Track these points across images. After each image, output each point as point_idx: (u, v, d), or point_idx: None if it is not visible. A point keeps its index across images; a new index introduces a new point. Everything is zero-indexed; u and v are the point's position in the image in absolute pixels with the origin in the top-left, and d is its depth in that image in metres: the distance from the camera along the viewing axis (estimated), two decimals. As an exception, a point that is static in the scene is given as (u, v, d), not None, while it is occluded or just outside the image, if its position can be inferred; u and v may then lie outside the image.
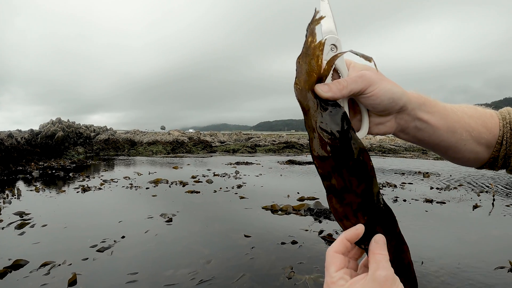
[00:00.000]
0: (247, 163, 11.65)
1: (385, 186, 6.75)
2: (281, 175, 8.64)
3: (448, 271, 2.61)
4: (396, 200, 5.42)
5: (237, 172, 8.90)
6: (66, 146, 15.29)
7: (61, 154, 13.97)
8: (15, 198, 5.10)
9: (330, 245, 2.13)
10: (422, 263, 2.74)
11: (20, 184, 6.39)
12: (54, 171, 8.60)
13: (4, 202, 4.67)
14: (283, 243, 3.25)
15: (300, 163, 11.69)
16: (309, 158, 14.14)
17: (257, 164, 11.50)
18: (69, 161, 11.60)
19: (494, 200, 5.44)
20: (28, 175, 7.59)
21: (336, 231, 3.57)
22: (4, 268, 2.54)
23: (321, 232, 3.58)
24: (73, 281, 2.39)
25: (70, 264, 2.71)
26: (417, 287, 0.87)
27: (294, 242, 3.26)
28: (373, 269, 0.62)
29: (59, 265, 2.68)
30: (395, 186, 6.80)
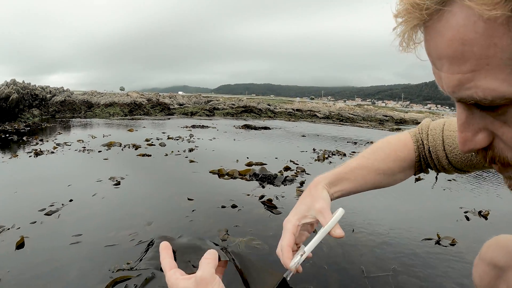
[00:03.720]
0: (203, 127, 11.79)
1: (334, 154, 7.06)
2: (234, 140, 8.86)
3: (377, 238, 2.81)
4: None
5: (191, 136, 9.04)
6: (21, 108, 14.91)
7: (15, 117, 13.65)
8: (-37, 165, 5.03)
9: (269, 210, 2.43)
10: (353, 230, 2.94)
11: (-31, 151, 6.25)
12: (7, 135, 8.50)
13: (-49, 171, 4.60)
14: (223, 207, 3.47)
15: (255, 128, 11.94)
16: (265, 123, 14.37)
17: (213, 127, 11.67)
18: (24, 124, 11.38)
19: (437, 174, 5.75)
20: (-21, 141, 7.41)
21: (276, 197, 3.79)
22: (-46, 235, 2.62)
23: (262, 197, 3.79)
24: (20, 244, 2.54)
25: (19, 228, 2.85)
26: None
27: (234, 206, 3.48)
28: (197, 271, 0.86)
29: (9, 229, 2.81)
30: (344, 154, 7.13)
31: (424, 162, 1.35)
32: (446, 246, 2.69)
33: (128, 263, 2.29)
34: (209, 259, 0.90)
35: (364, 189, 1.24)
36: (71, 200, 3.57)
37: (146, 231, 2.85)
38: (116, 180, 4.35)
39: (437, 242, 2.75)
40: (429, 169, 1.39)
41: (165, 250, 0.98)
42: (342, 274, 2.23)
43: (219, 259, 0.93)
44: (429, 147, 1.29)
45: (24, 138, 8.10)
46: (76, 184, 4.21)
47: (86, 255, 2.43)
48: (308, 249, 1.05)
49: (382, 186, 1.28)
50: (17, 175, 4.65)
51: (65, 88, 20.83)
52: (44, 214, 3.18)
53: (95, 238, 2.71)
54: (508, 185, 0.74)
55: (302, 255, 1.04)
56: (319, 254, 2.44)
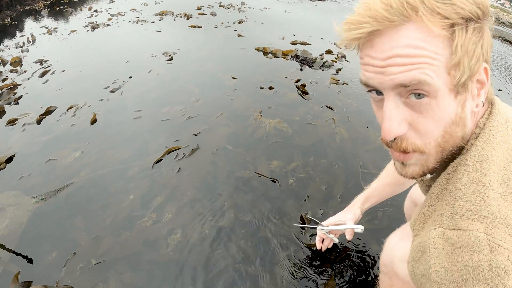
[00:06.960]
0: (257, -8, 11.66)
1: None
2: (285, 11, 8.95)
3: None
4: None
5: (242, 4, 9.23)
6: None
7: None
8: (30, 45, 5.64)
9: (301, 95, 3.09)
10: (367, 127, 3.27)
11: (32, 28, 6.84)
12: (62, 7, 8.96)
13: (22, 51, 5.25)
14: (261, 88, 3.99)
15: (312, -1, 11.65)
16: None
17: (267, -7, 11.53)
18: (76, -9, 11.76)
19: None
20: (37, 16, 7.98)
21: (310, 82, 4.19)
22: (39, 116, 3.35)
23: (297, 81, 4.21)
24: (94, 120, 3.27)
25: (90, 105, 3.56)
26: None
27: (271, 88, 3.98)
28: None
29: (81, 107, 3.53)
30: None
31: None
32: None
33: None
34: None
35: (384, 199, 1.80)
36: (130, 77, 4.23)
37: (194, 107, 3.51)
38: (169, 56, 4.92)
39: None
40: None
41: None
42: (346, 164, 2.74)
43: None
44: None
45: (79, 9, 8.64)
46: (134, 60, 4.82)
47: (146, 128, 3.15)
48: (327, 227, 1.80)
49: (397, 193, 1.79)
50: (79, 52, 5.27)
51: None
52: (109, 92, 3.88)
53: (153, 113, 3.42)
54: (421, 190, 1.15)
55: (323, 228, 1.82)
56: (332, 146, 2.95)
